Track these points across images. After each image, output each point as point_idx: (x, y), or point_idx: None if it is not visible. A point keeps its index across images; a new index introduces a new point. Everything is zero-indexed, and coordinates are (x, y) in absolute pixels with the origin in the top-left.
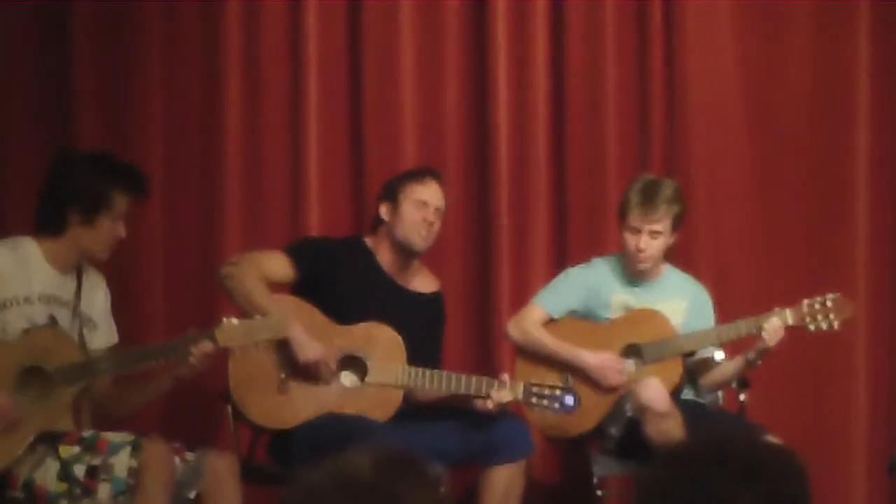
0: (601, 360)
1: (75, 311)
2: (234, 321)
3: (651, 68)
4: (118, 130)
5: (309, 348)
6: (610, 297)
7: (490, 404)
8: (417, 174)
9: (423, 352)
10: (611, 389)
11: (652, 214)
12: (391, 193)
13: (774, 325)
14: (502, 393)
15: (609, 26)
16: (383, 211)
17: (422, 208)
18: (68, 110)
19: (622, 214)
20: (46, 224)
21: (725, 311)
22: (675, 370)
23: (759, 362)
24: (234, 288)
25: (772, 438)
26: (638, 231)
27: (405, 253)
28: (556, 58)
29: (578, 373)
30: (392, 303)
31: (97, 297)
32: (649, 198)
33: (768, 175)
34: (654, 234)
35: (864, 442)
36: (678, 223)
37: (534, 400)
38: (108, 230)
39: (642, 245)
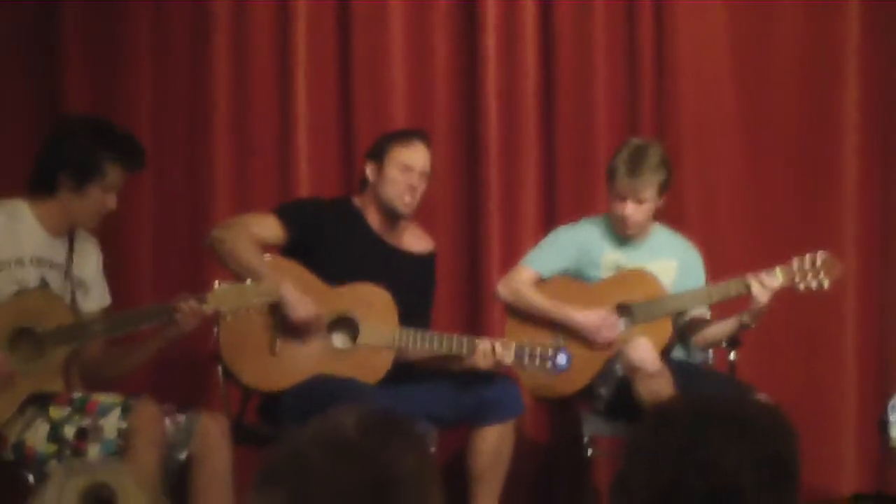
0: (592, 317)
1: (67, 274)
2: (226, 285)
3: (640, 31)
4: (106, 95)
5: (301, 306)
6: (600, 257)
7: (483, 348)
8: (404, 136)
9: (413, 311)
10: (604, 346)
11: (637, 183)
12: (378, 153)
13: (762, 280)
14: (494, 345)
15: None
16: (369, 171)
17: (406, 172)
18: (56, 74)
19: (609, 180)
20: (39, 186)
21: (715, 273)
22: (665, 330)
23: (753, 325)
24: (225, 251)
25: (762, 397)
26: (624, 198)
27: (390, 215)
28: (546, 21)
29: (569, 332)
30: (382, 262)
31: (89, 260)
32: (635, 166)
33: (757, 138)
34: (639, 201)
35: (854, 400)
36: (664, 189)
37: (526, 361)
38: (98, 200)
39: (628, 212)
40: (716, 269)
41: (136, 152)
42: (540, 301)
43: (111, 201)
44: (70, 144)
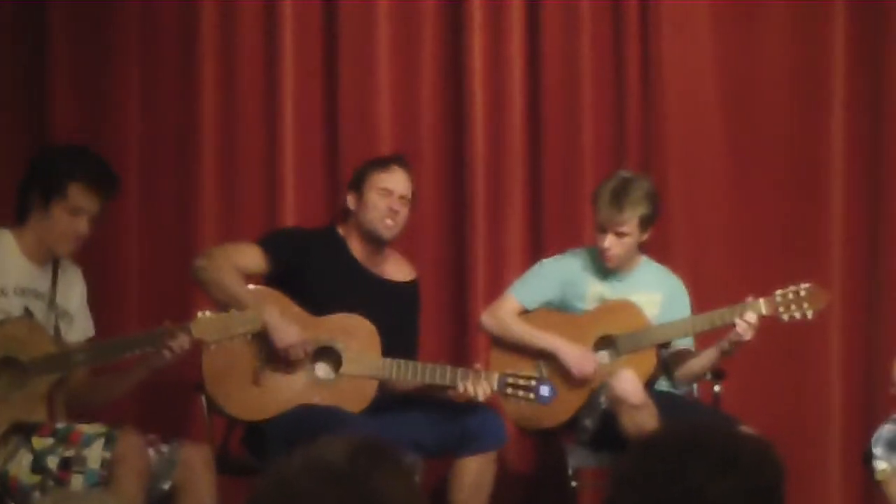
0: (574, 350)
1: (51, 304)
2: (210, 315)
3: (627, 56)
4: (93, 120)
5: (285, 332)
6: (585, 289)
7: (468, 391)
8: (381, 162)
9: (398, 340)
10: (583, 381)
11: (617, 216)
12: (357, 182)
13: (749, 320)
14: (479, 385)
15: (585, 14)
16: (350, 200)
17: (386, 196)
18: (43, 98)
19: (593, 208)
20: (16, 212)
21: (700, 299)
22: (649, 361)
23: (733, 352)
24: (208, 280)
25: (746, 429)
26: (604, 230)
27: (373, 241)
28: (532, 47)
29: (553, 365)
30: (366, 292)
31: (74, 290)
32: (616, 199)
33: (744, 163)
34: (619, 234)
35: (839, 432)
36: (647, 223)
37: (509, 391)
38: (65, 223)
39: (607, 244)
40: (701, 294)
41: (103, 176)
42: (524, 330)
43: (80, 226)
44: (39, 167)
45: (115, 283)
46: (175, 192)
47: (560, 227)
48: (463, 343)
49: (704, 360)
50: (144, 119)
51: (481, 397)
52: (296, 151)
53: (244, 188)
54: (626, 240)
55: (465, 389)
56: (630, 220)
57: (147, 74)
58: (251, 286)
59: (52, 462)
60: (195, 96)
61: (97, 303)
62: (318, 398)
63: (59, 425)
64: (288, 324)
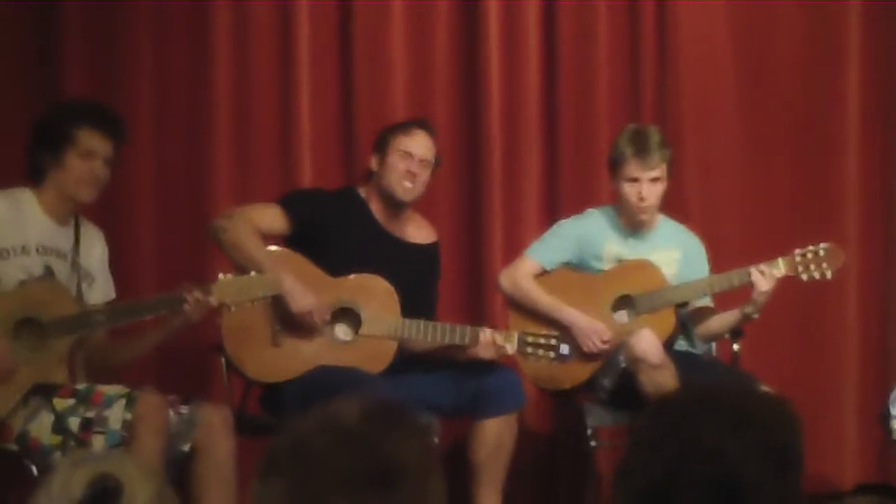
0: (587, 323)
1: (74, 264)
2: (230, 277)
3: (642, 21)
4: (106, 80)
5: (301, 299)
6: (602, 249)
7: (485, 339)
8: (405, 125)
9: (417, 302)
10: (592, 353)
11: (649, 162)
12: (380, 145)
13: (765, 271)
14: (496, 336)
15: None
16: (373, 162)
17: (406, 159)
18: (56, 67)
19: (617, 167)
20: (30, 174)
21: (716, 262)
22: (668, 321)
23: (756, 315)
24: (227, 241)
25: (764, 388)
26: (636, 181)
27: (392, 203)
28: (548, 10)
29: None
30: (386, 253)
31: (95, 251)
32: (642, 146)
33: (758, 128)
34: (653, 180)
35: (856, 392)
36: (671, 166)
37: (529, 350)
38: (80, 168)
39: (644, 194)
40: (717, 257)
41: (106, 115)
42: (539, 296)
43: (97, 167)
44: (43, 124)
45: (132, 245)
46: (189, 152)
47: (575, 188)
48: (480, 304)
49: (724, 321)
50: (158, 76)
51: (509, 350)
52: (311, 116)
53: (259, 152)
54: (659, 186)
55: (486, 346)
56: (661, 164)
57: (161, 30)
58: (271, 247)
59: (74, 423)
60: (209, 55)
61: (113, 266)
62: (336, 359)
63: (80, 386)
64: (303, 290)
